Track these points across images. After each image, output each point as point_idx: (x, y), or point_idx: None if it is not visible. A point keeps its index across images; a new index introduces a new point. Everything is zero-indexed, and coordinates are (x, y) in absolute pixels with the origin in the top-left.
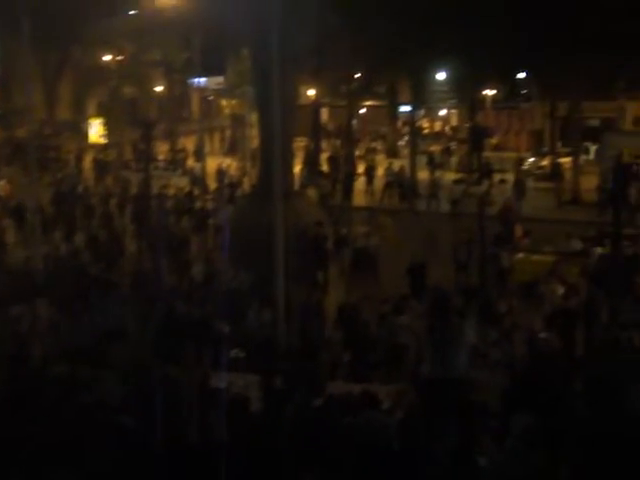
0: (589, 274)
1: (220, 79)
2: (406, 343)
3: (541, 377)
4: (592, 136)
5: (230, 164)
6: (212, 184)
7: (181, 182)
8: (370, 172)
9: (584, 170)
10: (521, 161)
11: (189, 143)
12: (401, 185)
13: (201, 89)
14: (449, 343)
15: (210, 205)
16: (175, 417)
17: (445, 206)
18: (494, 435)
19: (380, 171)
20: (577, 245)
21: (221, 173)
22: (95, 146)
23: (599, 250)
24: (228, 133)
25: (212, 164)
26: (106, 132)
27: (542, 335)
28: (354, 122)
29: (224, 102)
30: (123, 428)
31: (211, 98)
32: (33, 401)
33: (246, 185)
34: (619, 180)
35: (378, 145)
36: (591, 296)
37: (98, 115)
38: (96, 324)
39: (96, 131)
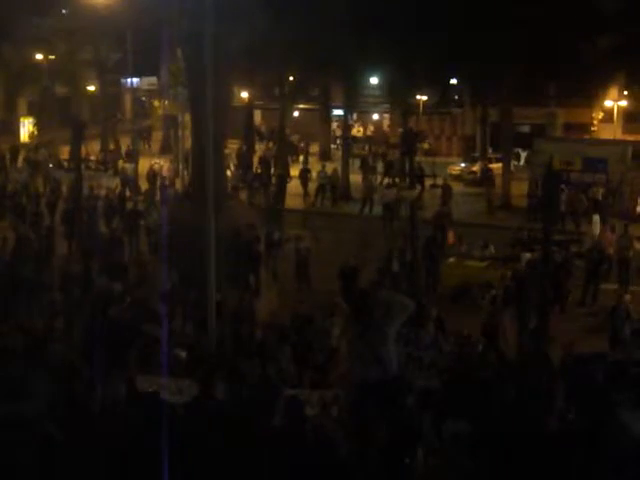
0: (518, 279)
1: (153, 79)
2: (337, 346)
3: (471, 382)
4: (523, 142)
5: (162, 165)
6: (144, 185)
7: (112, 183)
8: (305, 175)
9: (514, 176)
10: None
11: (121, 143)
12: (334, 188)
13: (134, 89)
14: (376, 345)
15: (141, 206)
16: (103, 421)
17: (377, 210)
18: (426, 438)
19: (313, 174)
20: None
21: (153, 174)
22: (26, 145)
23: (528, 255)
24: (160, 134)
25: (144, 165)
26: (37, 131)
27: (473, 340)
28: (287, 125)
29: (157, 103)
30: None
31: (144, 99)
32: None
33: (178, 186)
34: (549, 186)
35: (311, 148)
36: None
37: (29, 114)
38: (25, 324)
39: (27, 130)
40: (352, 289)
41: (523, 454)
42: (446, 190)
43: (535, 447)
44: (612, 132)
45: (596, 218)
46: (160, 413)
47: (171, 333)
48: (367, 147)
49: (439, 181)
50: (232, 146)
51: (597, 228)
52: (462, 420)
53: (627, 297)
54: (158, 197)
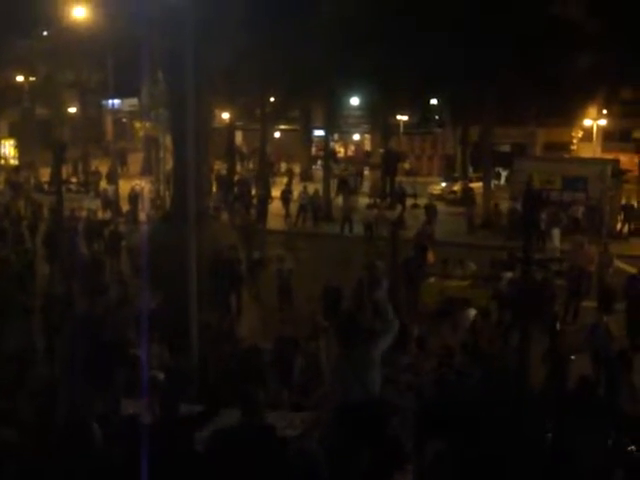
0: (499, 298)
1: (134, 101)
2: (321, 368)
3: (453, 402)
4: (503, 161)
5: (144, 186)
6: (125, 206)
7: (94, 204)
8: (286, 195)
9: (495, 195)
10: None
11: (102, 165)
12: (315, 209)
13: (115, 111)
14: (359, 367)
15: (123, 227)
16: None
17: (359, 230)
18: (407, 460)
19: (294, 195)
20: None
21: (134, 195)
22: (6, 167)
23: (510, 275)
24: (141, 155)
25: (126, 186)
26: (18, 153)
27: (456, 361)
28: (268, 145)
29: (138, 124)
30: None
31: (125, 120)
32: None
33: (160, 207)
34: (529, 205)
35: (293, 168)
36: (501, 320)
37: (10, 136)
38: (6, 347)
39: (8, 152)
40: (336, 310)
41: (506, 474)
42: (430, 210)
43: (518, 467)
44: (592, 151)
45: (556, 232)
46: (140, 436)
47: (151, 355)
48: (354, 167)
49: (420, 201)
50: (215, 167)
51: (557, 241)
52: (444, 440)
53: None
54: (140, 218)
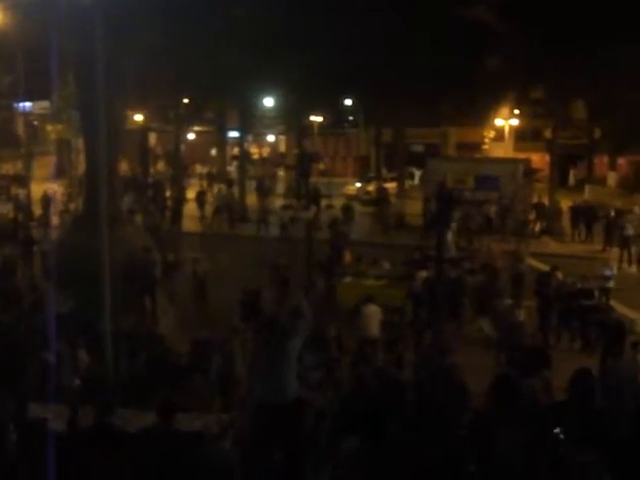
0: (413, 297)
1: (45, 103)
2: (238, 369)
3: (368, 400)
4: (417, 161)
5: (56, 190)
6: (38, 210)
7: (5, 208)
8: (201, 197)
9: (409, 195)
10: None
11: (13, 169)
12: (230, 210)
13: (26, 114)
14: (276, 366)
15: (35, 231)
16: None
17: (274, 231)
18: (321, 459)
19: (210, 196)
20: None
21: (47, 199)
22: None
23: (424, 274)
24: (53, 158)
25: (38, 190)
26: None
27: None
28: (182, 147)
29: (50, 127)
30: None
31: (36, 123)
32: None
33: (73, 211)
34: (442, 205)
35: (208, 169)
36: (415, 318)
37: None
38: None
39: None
40: (254, 311)
41: (421, 471)
42: (347, 210)
43: (433, 463)
44: (503, 150)
45: (452, 226)
46: (46, 441)
47: (65, 360)
48: (268, 168)
49: (335, 201)
50: (129, 169)
51: (450, 237)
52: (358, 437)
53: (521, 312)
54: (52, 222)
